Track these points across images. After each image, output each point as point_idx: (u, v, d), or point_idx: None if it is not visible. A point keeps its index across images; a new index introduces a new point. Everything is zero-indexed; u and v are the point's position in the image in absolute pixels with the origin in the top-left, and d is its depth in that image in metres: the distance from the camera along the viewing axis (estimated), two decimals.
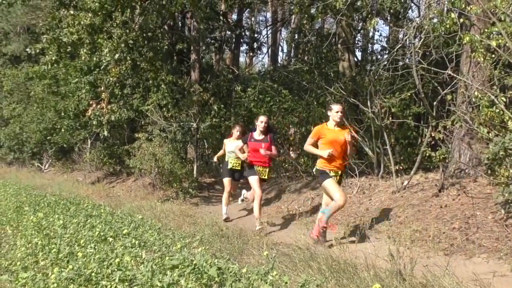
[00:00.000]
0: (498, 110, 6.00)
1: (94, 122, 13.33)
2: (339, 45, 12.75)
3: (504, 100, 6.18)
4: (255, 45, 20.48)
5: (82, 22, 11.12)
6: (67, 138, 20.84)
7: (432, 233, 5.80)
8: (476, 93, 6.53)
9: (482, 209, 6.09)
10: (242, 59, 28.34)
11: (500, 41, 6.06)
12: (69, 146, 23.14)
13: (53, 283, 4.01)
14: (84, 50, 11.62)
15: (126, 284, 4.00)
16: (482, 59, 6.45)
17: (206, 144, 15.53)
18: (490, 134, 6.09)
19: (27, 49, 12.83)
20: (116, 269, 4.29)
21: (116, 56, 11.32)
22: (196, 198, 12.05)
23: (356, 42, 15.27)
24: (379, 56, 15.14)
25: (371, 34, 17.35)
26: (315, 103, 11.92)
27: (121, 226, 7.16)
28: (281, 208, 9.64)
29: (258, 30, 25.37)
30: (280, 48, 28.51)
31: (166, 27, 15.83)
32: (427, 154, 7.64)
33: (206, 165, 15.69)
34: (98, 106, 13.31)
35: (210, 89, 15.70)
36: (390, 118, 9.13)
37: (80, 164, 22.82)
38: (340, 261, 4.50)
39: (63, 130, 19.21)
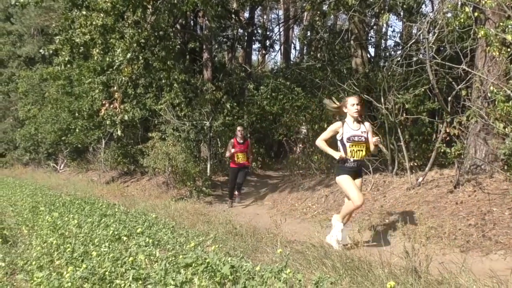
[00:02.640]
0: None
1: (108, 122, 13.38)
2: (351, 42, 12.67)
3: None
4: (268, 43, 20.46)
5: (94, 23, 11.17)
6: (81, 138, 21.00)
7: (448, 229, 5.73)
8: (491, 87, 6.45)
9: (499, 205, 6.00)
10: (254, 57, 28.35)
11: None
12: (84, 146, 23.36)
13: (68, 282, 4.04)
14: (97, 50, 11.67)
15: (140, 282, 4.01)
16: (497, 53, 6.36)
17: (219, 142, 15.54)
18: (507, 129, 6.02)
19: (41, 51, 12.90)
20: (130, 268, 4.31)
21: (129, 55, 11.34)
22: (209, 197, 12.06)
23: (369, 38, 15.18)
24: (392, 52, 15.05)
25: (384, 30, 17.25)
26: None
27: (135, 225, 7.20)
28: (295, 205, 9.61)
29: (270, 28, 25.38)
30: (292, 45, 28.42)
31: (178, 26, 15.86)
32: (442, 150, 7.56)
33: (220, 163, 15.70)
34: (111, 106, 13.35)
35: (222, 87, 15.72)
36: (404, 114, 9.04)
37: (95, 164, 23.03)
38: (355, 259, 4.46)
39: (77, 130, 19.36)
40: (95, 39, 11.43)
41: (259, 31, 20.08)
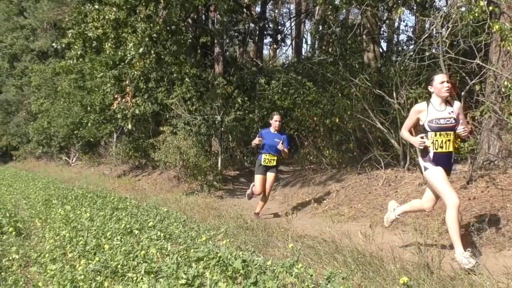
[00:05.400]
0: None
1: (119, 116, 13.44)
2: (364, 36, 12.60)
3: None
4: (279, 37, 20.40)
5: (106, 17, 11.21)
6: (93, 132, 21.12)
7: (461, 225, 5.69)
8: (505, 82, 6.39)
9: None
10: (265, 51, 28.33)
11: None
12: (96, 140, 23.50)
13: (81, 275, 4.06)
14: (109, 45, 11.72)
15: (152, 276, 4.03)
16: None
17: (230, 137, 15.55)
18: None
19: (54, 44, 12.99)
20: (142, 261, 4.33)
21: (141, 50, 11.38)
22: (220, 191, 12.09)
23: (382, 32, 15.08)
24: (405, 47, 14.94)
25: (396, 24, 17.13)
26: (340, 95, 11.82)
27: (146, 219, 7.24)
28: (306, 200, 9.60)
29: (282, 22, 25.33)
30: (304, 40, 28.34)
31: (189, 21, 15.87)
32: (455, 146, 7.49)
33: (231, 158, 15.71)
34: (123, 100, 13.41)
35: (234, 82, 15.71)
36: None
37: (106, 157, 23.17)
38: (366, 254, 4.45)
39: (89, 124, 19.45)
40: (108, 33, 11.48)
41: (271, 25, 20.04)
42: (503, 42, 6.42)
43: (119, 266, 4.31)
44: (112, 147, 22.00)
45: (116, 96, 13.80)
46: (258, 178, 8.18)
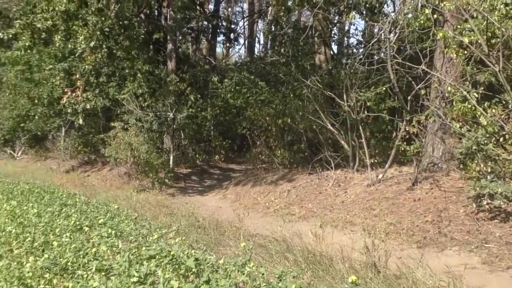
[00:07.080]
0: (470, 105, 6.15)
1: (69, 110, 13.18)
2: (315, 38, 12.82)
3: (476, 95, 6.34)
4: (232, 36, 20.41)
5: (56, 8, 10.96)
6: (40, 125, 20.56)
7: (406, 226, 5.93)
8: (449, 88, 6.67)
9: (454, 202, 6.24)
10: (219, 49, 28.26)
11: (472, 37, 6.19)
12: (43, 133, 22.88)
13: (29, 272, 3.98)
14: (59, 37, 11.47)
15: (103, 273, 4.00)
16: (454, 55, 6.60)
17: (182, 134, 15.47)
18: (463, 129, 6.23)
19: None
20: (92, 259, 4.28)
21: (92, 43, 11.19)
22: (172, 189, 12.02)
23: (332, 35, 15.37)
24: (354, 50, 15.28)
25: (347, 27, 17.48)
26: (292, 95, 11.99)
27: (96, 216, 7.13)
28: (258, 199, 9.69)
29: (235, 21, 25.33)
30: (257, 39, 28.46)
31: (142, 16, 15.67)
32: (402, 148, 7.78)
33: (183, 155, 15.63)
34: (73, 94, 13.14)
35: (186, 79, 15.63)
36: (366, 112, 9.23)
37: (54, 152, 22.61)
38: (316, 253, 4.57)
39: (36, 117, 18.92)
40: (58, 25, 11.24)
41: (224, 23, 20.00)
42: (447, 49, 6.71)
43: (69, 263, 4.24)
44: (61, 142, 21.47)
45: (66, 90, 13.51)
46: None
